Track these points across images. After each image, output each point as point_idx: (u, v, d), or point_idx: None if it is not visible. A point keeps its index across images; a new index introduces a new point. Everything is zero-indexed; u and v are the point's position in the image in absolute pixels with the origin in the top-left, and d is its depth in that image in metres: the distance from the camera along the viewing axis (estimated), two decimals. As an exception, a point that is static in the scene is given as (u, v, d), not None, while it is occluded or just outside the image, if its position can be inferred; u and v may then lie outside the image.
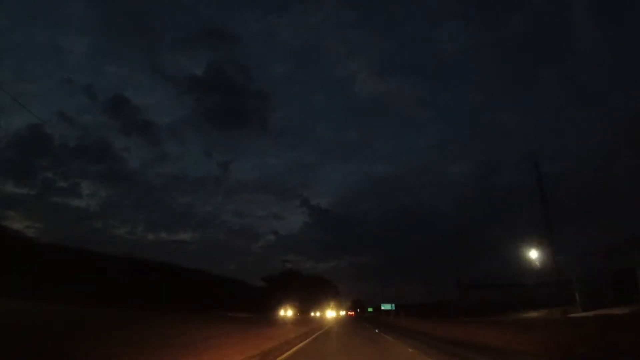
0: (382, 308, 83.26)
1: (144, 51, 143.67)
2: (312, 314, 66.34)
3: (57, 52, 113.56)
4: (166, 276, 34.22)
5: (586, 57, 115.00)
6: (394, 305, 78.38)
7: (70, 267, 24.41)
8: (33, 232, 55.75)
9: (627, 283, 23.86)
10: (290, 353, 13.14)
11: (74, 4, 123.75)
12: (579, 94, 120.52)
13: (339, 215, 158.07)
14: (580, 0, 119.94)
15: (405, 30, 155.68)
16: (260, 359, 11.16)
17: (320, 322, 46.98)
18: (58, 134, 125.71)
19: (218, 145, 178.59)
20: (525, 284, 42.72)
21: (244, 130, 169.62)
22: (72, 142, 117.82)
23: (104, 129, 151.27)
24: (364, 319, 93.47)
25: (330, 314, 72.13)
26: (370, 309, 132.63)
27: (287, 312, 65.79)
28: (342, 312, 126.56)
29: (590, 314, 16.69)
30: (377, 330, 31.27)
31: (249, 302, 52.78)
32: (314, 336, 22.47)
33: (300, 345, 16.43)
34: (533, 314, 30.97)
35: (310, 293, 66.50)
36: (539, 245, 30.53)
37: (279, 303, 59.04)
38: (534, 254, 32.33)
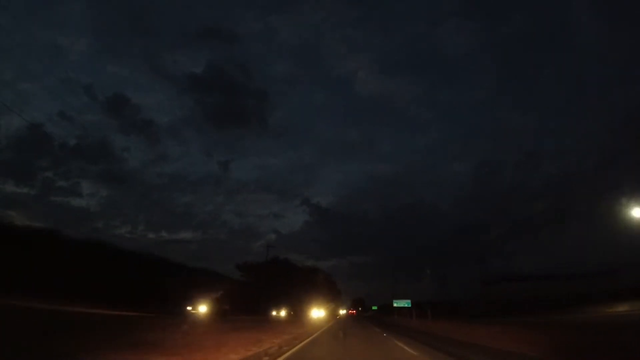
0: (395, 305, 63.28)
1: (143, 50, 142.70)
2: (307, 315, 54.48)
3: (56, 51, 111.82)
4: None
5: (587, 54, 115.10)
6: (410, 302, 62.86)
7: None
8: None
9: None
10: None
11: (73, 4, 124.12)
12: (579, 92, 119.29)
13: (339, 214, 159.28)
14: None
15: (406, 28, 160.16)
16: None
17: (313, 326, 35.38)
18: (58, 133, 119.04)
19: (218, 144, 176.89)
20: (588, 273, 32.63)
21: (244, 130, 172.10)
22: (72, 142, 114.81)
23: (104, 129, 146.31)
24: (366, 319, 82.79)
25: (317, 313, 54.70)
26: (374, 307, 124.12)
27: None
28: (343, 312, 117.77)
29: None
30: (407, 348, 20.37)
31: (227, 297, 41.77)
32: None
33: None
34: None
35: (302, 289, 54.77)
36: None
37: (265, 301, 48.00)
38: None
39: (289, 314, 58.41)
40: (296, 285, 53.74)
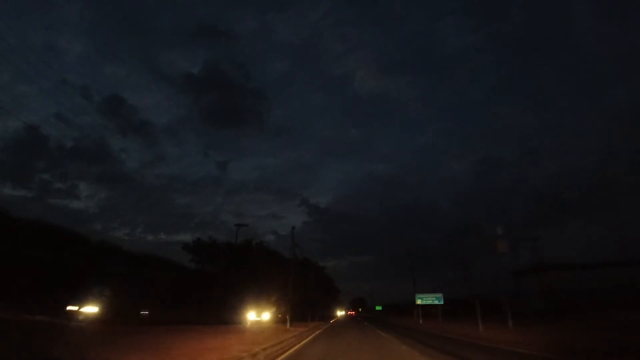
0: (419, 302, 48.62)
1: (140, 51, 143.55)
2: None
3: (53, 52, 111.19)
4: None
5: (586, 52, 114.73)
6: (441, 296, 45.55)
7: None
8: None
9: None
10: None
11: (69, 5, 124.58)
12: (579, 89, 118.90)
13: (338, 214, 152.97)
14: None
15: (404, 27, 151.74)
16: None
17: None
18: (55, 135, 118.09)
19: (216, 144, 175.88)
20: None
21: (242, 130, 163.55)
22: (69, 143, 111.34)
23: (101, 130, 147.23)
24: (366, 319, 70.01)
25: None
26: (378, 307, 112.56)
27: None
28: (342, 312, 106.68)
29: None
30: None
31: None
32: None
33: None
34: None
35: (285, 283, 40.99)
36: None
37: (232, 298, 34.85)
38: None
39: (276, 318, 45.10)
40: (277, 279, 40.27)
